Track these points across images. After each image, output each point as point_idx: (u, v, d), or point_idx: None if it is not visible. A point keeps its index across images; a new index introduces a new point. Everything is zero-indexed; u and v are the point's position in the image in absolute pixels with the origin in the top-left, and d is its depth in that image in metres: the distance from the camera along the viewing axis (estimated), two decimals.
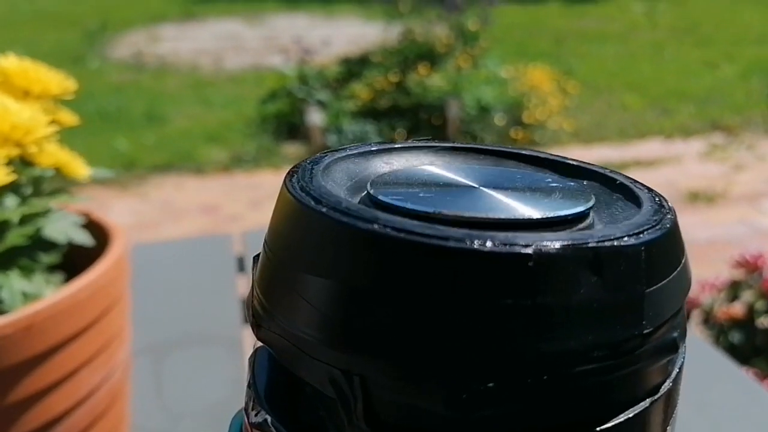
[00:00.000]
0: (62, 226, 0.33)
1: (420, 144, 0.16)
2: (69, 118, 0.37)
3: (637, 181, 0.14)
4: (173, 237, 2.01)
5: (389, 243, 0.11)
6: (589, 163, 0.15)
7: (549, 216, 0.12)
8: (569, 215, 0.12)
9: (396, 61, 2.95)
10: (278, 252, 0.13)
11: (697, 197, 2.26)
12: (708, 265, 1.72)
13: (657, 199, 0.13)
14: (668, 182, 2.37)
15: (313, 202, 0.12)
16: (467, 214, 0.12)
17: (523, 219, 0.12)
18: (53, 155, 0.34)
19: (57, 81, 0.36)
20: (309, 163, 0.14)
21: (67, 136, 0.36)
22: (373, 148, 0.15)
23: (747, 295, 1.16)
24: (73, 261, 0.35)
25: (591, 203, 0.13)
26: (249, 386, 0.13)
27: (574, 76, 3.42)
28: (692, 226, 2.05)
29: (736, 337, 1.13)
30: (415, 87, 2.78)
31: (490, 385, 0.10)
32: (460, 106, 2.67)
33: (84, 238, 0.33)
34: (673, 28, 4.71)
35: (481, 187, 0.13)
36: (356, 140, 2.57)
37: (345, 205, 0.12)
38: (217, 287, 0.60)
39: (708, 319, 1.19)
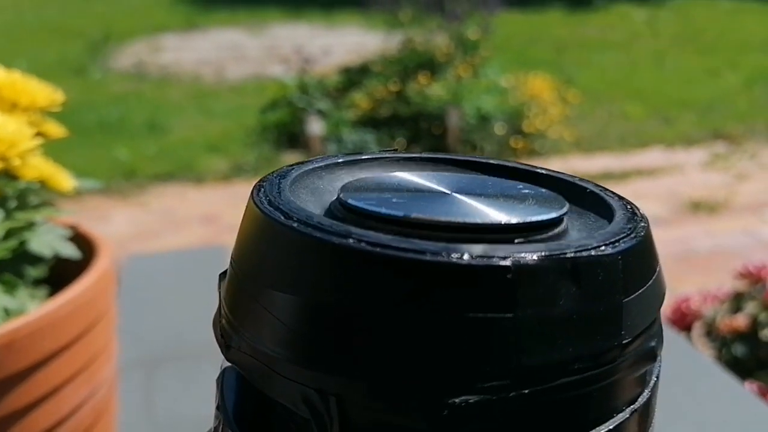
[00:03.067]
0: (48, 240, 0.33)
1: (387, 155, 0.15)
2: (56, 130, 0.37)
3: (608, 190, 0.14)
4: (174, 247, 2.01)
5: (364, 257, 0.11)
6: (559, 172, 0.15)
7: (524, 221, 0.12)
8: (544, 220, 0.12)
9: (396, 71, 2.95)
10: (246, 269, 0.12)
11: (699, 207, 2.25)
12: (710, 276, 1.71)
13: (629, 207, 0.13)
14: (670, 192, 2.36)
15: (282, 217, 0.12)
16: (443, 218, 0.12)
17: (499, 224, 0.12)
18: (38, 168, 0.34)
19: (44, 93, 0.36)
20: (276, 177, 0.14)
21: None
22: (339, 160, 0.15)
23: (750, 307, 1.15)
24: (61, 274, 0.34)
25: (565, 209, 0.13)
26: (217, 408, 0.13)
27: (575, 84, 3.41)
28: (694, 237, 2.04)
29: (739, 349, 1.11)
30: (415, 96, 2.78)
31: (471, 400, 0.10)
32: (460, 116, 2.67)
33: (71, 252, 0.33)
34: (674, 37, 4.71)
35: (453, 193, 0.13)
36: (356, 149, 2.57)
37: (316, 220, 0.11)
38: (212, 299, 0.60)
39: (710, 332, 1.17)
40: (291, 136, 2.86)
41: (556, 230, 0.12)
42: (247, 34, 5.02)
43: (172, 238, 2.10)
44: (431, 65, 2.95)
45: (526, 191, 0.14)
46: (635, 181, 2.45)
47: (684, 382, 0.47)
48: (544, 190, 0.14)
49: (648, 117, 3.21)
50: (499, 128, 2.72)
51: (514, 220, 0.12)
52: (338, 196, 0.13)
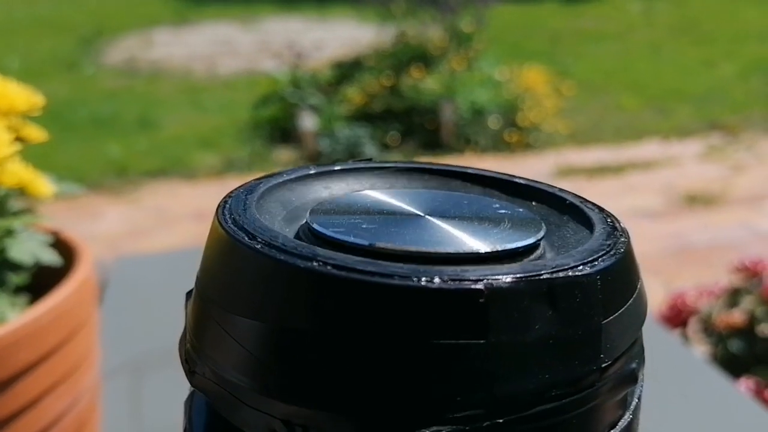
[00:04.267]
0: (29, 247, 0.32)
1: (361, 166, 0.15)
2: (37, 133, 0.36)
3: (588, 201, 0.14)
4: (166, 244, 1.99)
5: (330, 282, 0.10)
6: (538, 182, 0.15)
7: (498, 249, 0.11)
8: (519, 248, 0.12)
9: (389, 64, 2.94)
10: (210, 291, 0.12)
11: (695, 200, 2.23)
12: (707, 270, 1.69)
13: (609, 220, 0.13)
14: (666, 184, 2.34)
15: (246, 238, 0.11)
16: (413, 248, 0.11)
17: (472, 253, 0.11)
18: (16, 174, 0.33)
19: (24, 97, 0.35)
20: (243, 192, 0.13)
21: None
22: (311, 172, 0.15)
23: (747, 302, 1.14)
24: (42, 281, 0.34)
25: (542, 233, 0.12)
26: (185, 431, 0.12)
27: (570, 76, 3.40)
28: (690, 230, 2.03)
29: (735, 345, 1.10)
30: (408, 90, 2.77)
31: (444, 431, 0.10)
32: (453, 109, 2.65)
33: (52, 258, 0.33)
34: (670, 27, 4.70)
35: (426, 216, 0.13)
36: (349, 144, 2.55)
37: (281, 241, 0.11)
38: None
39: (707, 327, 1.16)
40: (284, 131, 2.85)
41: (531, 256, 0.12)
42: (239, 29, 4.99)
43: (165, 235, 2.08)
44: (425, 58, 2.94)
45: (503, 211, 0.13)
46: (631, 173, 2.43)
47: (676, 381, 0.47)
48: (521, 209, 0.14)
49: (643, 108, 3.19)
50: (493, 122, 2.71)
51: (486, 249, 0.11)
52: (305, 221, 0.12)
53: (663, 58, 4.02)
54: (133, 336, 0.52)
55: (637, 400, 0.12)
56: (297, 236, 0.13)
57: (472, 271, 0.10)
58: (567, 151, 2.71)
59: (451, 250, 0.11)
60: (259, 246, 0.11)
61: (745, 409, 0.45)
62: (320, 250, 0.11)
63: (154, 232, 2.13)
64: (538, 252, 0.12)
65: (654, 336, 0.53)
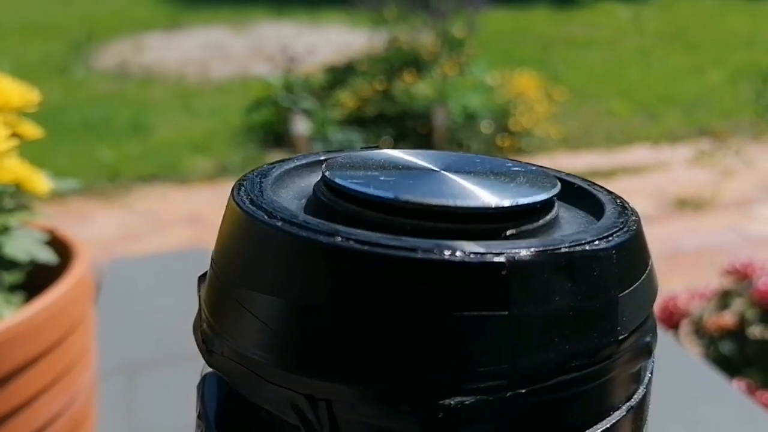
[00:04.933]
0: (24, 244, 0.32)
1: (370, 152, 0.15)
2: (32, 131, 0.36)
3: (596, 184, 0.14)
4: (158, 248, 1.98)
5: (353, 257, 0.10)
6: (545, 167, 0.15)
7: (518, 203, 0.12)
8: (538, 202, 0.12)
9: (382, 69, 2.94)
10: (229, 271, 0.12)
11: (685, 204, 2.25)
12: (697, 274, 1.70)
13: (618, 201, 0.13)
14: (656, 189, 2.36)
15: (266, 216, 0.11)
16: (434, 201, 0.11)
17: (493, 208, 0.11)
18: (13, 170, 0.33)
19: (19, 93, 0.34)
20: (257, 176, 0.13)
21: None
22: (321, 158, 0.15)
23: (737, 304, 1.15)
24: (38, 279, 0.33)
25: (557, 188, 0.12)
26: (199, 417, 0.12)
27: (561, 82, 3.41)
28: (681, 234, 2.04)
29: (726, 347, 1.11)
30: (401, 95, 2.77)
31: (466, 402, 0.10)
32: (446, 114, 2.66)
33: (47, 256, 0.32)
34: (659, 34, 4.73)
35: (442, 171, 0.13)
36: (343, 149, 2.55)
37: (302, 218, 0.11)
38: (196, 303, 0.59)
39: (698, 330, 1.17)
40: (276, 135, 2.84)
41: (550, 215, 0.12)
42: (232, 33, 4.98)
43: (157, 240, 2.07)
44: (417, 63, 2.94)
45: (516, 169, 0.13)
46: (622, 178, 2.45)
47: (672, 380, 0.47)
48: (533, 167, 0.14)
49: (634, 114, 3.21)
50: (485, 126, 2.71)
51: (505, 203, 0.11)
52: (323, 173, 0.12)
53: (652, 64, 4.05)
54: (128, 337, 0.51)
55: (650, 375, 0.12)
56: (312, 194, 0.13)
57: (493, 245, 0.10)
58: (559, 156, 2.72)
59: (471, 204, 0.11)
60: (279, 224, 0.11)
61: (738, 405, 0.46)
62: (342, 227, 0.11)
63: (146, 236, 2.12)
64: (555, 210, 0.13)
65: None
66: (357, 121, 2.77)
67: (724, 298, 1.18)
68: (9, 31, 4.97)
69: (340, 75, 3.06)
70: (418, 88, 2.79)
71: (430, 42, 3.07)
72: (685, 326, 1.20)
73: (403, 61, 2.94)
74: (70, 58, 4.29)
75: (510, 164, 0.14)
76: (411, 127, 2.70)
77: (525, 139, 2.78)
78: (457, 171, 0.13)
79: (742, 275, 1.17)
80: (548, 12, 5.49)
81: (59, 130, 2.97)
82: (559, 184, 0.13)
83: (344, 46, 3.93)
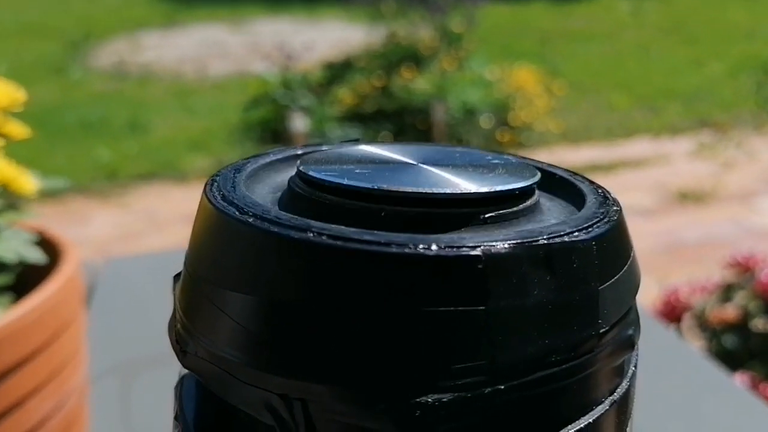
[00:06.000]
0: (13, 245, 0.32)
1: (348, 146, 0.15)
2: (20, 130, 0.36)
3: (578, 174, 0.14)
4: (157, 248, 1.98)
5: (325, 252, 0.10)
6: (526, 158, 0.15)
7: (496, 190, 0.11)
8: (517, 189, 0.12)
9: (380, 65, 2.94)
10: (201, 269, 0.12)
11: (686, 197, 2.24)
12: (699, 267, 1.70)
13: (600, 191, 0.13)
14: (657, 182, 2.35)
15: (237, 212, 0.11)
16: (410, 189, 0.11)
17: (470, 193, 0.11)
18: (0, 170, 0.33)
19: (5, 92, 0.34)
20: (231, 171, 0.13)
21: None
22: (299, 152, 0.14)
23: (740, 297, 1.14)
24: (27, 280, 0.33)
25: (536, 177, 0.12)
26: (176, 418, 0.12)
27: (561, 76, 3.41)
28: (682, 227, 2.03)
29: (729, 340, 1.10)
30: (399, 90, 2.77)
31: (445, 399, 0.10)
32: (445, 109, 2.66)
33: (36, 257, 0.32)
34: (659, 27, 4.72)
35: (419, 164, 0.13)
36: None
37: (274, 214, 0.11)
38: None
39: (700, 323, 1.16)
40: (275, 132, 2.84)
41: (529, 202, 0.12)
42: (229, 30, 4.98)
43: (155, 239, 2.07)
44: (415, 59, 2.94)
45: (495, 161, 0.13)
46: (622, 172, 2.44)
47: (672, 375, 0.47)
48: (513, 159, 0.14)
49: (634, 107, 3.21)
50: (485, 121, 2.71)
51: (483, 189, 0.11)
52: (297, 168, 0.12)
53: (652, 57, 4.04)
54: (123, 337, 0.51)
55: (633, 368, 0.12)
56: (287, 188, 0.13)
57: (468, 237, 0.10)
58: (559, 150, 2.71)
59: (448, 191, 0.11)
60: (251, 219, 0.11)
61: (741, 400, 0.45)
62: (314, 222, 0.10)
63: (144, 235, 2.11)
64: (535, 198, 0.12)
65: (649, 330, 0.53)
66: (355, 117, 2.76)
67: (726, 291, 1.18)
68: (6, 32, 4.97)
69: (338, 71, 3.06)
70: (417, 84, 2.79)
71: (429, 37, 3.06)
72: (687, 320, 1.20)
73: (401, 57, 2.94)
74: (67, 58, 4.29)
75: (490, 156, 0.14)
76: (410, 122, 2.70)
77: (525, 133, 2.77)
78: (435, 164, 0.13)
79: (744, 268, 1.17)
80: (547, 5, 5.48)
81: (57, 130, 2.97)
82: (538, 174, 0.13)
83: (342, 42, 3.93)
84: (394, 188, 0.11)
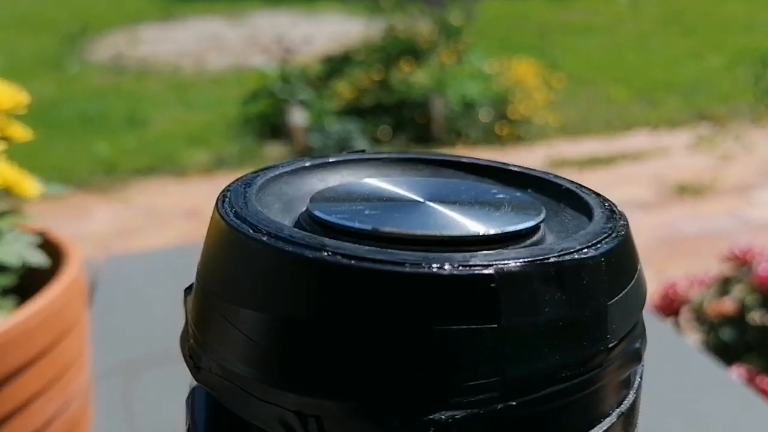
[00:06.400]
0: (15, 248, 0.32)
1: (355, 157, 0.15)
2: (22, 133, 0.35)
3: (584, 186, 0.14)
4: (157, 242, 1.98)
5: (340, 271, 0.10)
6: (531, 169, 0.15)
7: (504, 231, 0.12)
8: (522, 230, 0.12)
9: (379, 58, 2.93)
10: (213, 284, 0.12)
11: (685, 190, 2.25)
12: (697, 260, 1.70)
13: (606, 204, 0.13)
14: (656, 175, 2.36)
15: (251, 231, 0.11)
16: (419, 232, 0.11)
17: (478, 236, 0.11)
18: (2, 174, 0.33)
19: (8, 94, 0.34)
20: (241, 185, 0.13)
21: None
22: (306, 164, 0.15)
23: (737, 291, 1.15)
24: (30, 283, 0.33)
25: (542, 216, 0.13)
26: (188, 430, 0.12)
27: (560, 69, 3.40)
28: (680, 220, 2.04)
29: (726, 333, 1.11)
30: (398, 84, 2.76)
31: (458, 416, 0.10)
32: (444, 103, 2.65)
33: (39, 260, 0.32)
34: (657, 19, 4.71)
35: (427, 202, 0.13)
36: (340, 139, 2.54)
37: (287, 233, 0.11)
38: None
39: (698, 316, 1.17)
40: (273, 127, 2.83)
41: (534, 238, 0.12)
42: (227, 24, 4.96)
43: (155, 234, 2.07)
44: (414, 52, 2.93)
45: (501, 196, 0.13)
46: (621, 165, 2.44)
47: (669, 370, 0.47)
48: (519, 194, 0.14)
49: (632, 100, 3.20)
50: (483, 115, 2.71)
51: (491, 231, 0.12)
52: (306, 209, 0.12)
53: (650, 50, 4.04)
54: (126, 336, 0.51)
55: (639, 379, 0.12)
56: (298, 224, 0.13)
57: (481, 257, 0.10)
58: (558, 144, 2.71)
59: (456, 233, 0.11)
60: (264, 238, 0.11)
61: (738, 395, 0.46)
62: (328, 241, 0.11)
63: (144, 230, 2.11)
64: (540, 234, 0.12)
65: (647, 323, 0.53)
66: (354, 111, 2.76)
67: (724, 285, 1.18)
68: (2, 26, 4.95)
69: (336, 65, 3.05)
70: (416, 77, 2.78)
71: (428, 30, 3.05)
72: (685, 313, 1.20)
73: (400, 50, 2.93)
74: (64, 52, 4.27)
75: (495, 191, 0.14)
76: (409, 116, 2.70)
77: (524, 126, 2.77)
78: (441, 201, 0.13)
79: (742, 261, 1.17)
80: None
81: (55, 125, 2.96)
82: (544, 212, 0.13)
83: (341, 35, 3.92)
84: (403, 231, 0.11)
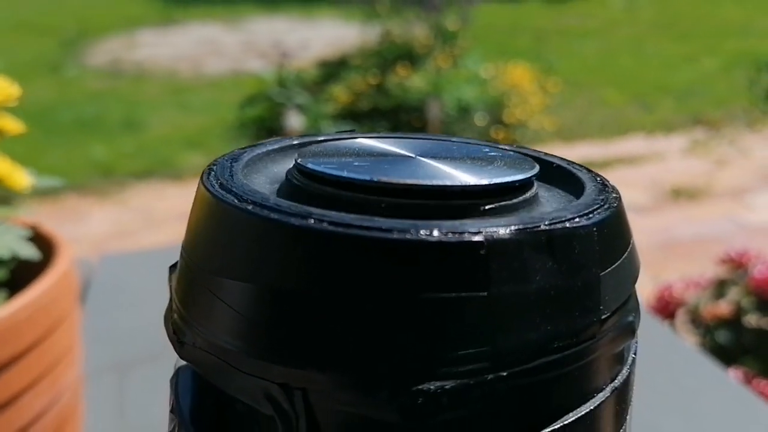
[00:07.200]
0: (6, 241, 0.32)
1: (345, 136, 0.15)
2: (14, 126, 0.35)
3: (575, 163, 0.14)
4: (153, 245, 1.98)
5: (326, 239, 0.10)
6: (524, 147, 0.15)
7: (496, 182, 0.11)
8: (516, 181, 0.12)
9: (375, 63, 2.93)
10: (198, 258, 0.11)
11: (680, 194, 2.25)
12: (692, 263, 1.71)
13: (599, 179, 0.13)
14: (651, 179, 2.36)
15: (236, 200, 0.11)
16: (409, 181, 0.11)
17: (470, 185, 0.11)
18: None
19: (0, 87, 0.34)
20: (227, 160, 0.13)
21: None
22: (294, 142, 0.14)
23: (733, 293, 1.15)
24: (21, 276, 0.33)
25: (535, 170, 0.12)
26: (172, 411, 0.12)
27: (555, 73, 3.41)
28: (676, 224, 2.04)
29: (722, 336, 1.11)
30: (394, 88, 2.76)
31: (447, 386, 0.10)
32: (440, 107, 2.66)
33: (30, 253, 0.32)
34: (653, 23, 4.73)
35: (418, 157, 0.13)
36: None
37: (273, 201, 0.11)
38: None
39: (694, 319, 1.17)
40: (270, 130, 2.83)
41: (527, 195, 0.12)
42: (224, 29, 4.96)
43: (152, 237, 2.07)
44: (410, 57, 2.93)
45: (493, 153, 0.13)
46: (617, 169, 2.45)
47: (668, 370, 0.47)
48: (511, 151, 0.14)
49: (628, 104, 3.21)
50: (479, 119, 2.71)
51: (483, 182, 0.11)
52: (295, 161, 0.12)
53: (646, 53, 4.05)
54: (118, 334, 0.51)
55: (633, 355, 0.12)
56: (285, 180, 0.13)
57: (471, 224, 0.10)
58: (553, 148, 2.72)
59: (448, 183, 0.11)
60: (250, 207, 0.11)
61: (736, 395, 0.45)
62: (315, 209, 0.10)
63: (140, 233, 2.11)
64: (534, 190, 0.12)
65: (644, 325, 0.53)
66: (351, 115, 2.76)
67: (719, 287, 1.18)
68: (1, 30, 4.95)
69: (333, 69, 3.06)
70: (412, 82, 2.78)
71: (424, 35, 3.06)
72: (681, 315, 1.20)
73: (396, 55, 2.94)
74: (62, 56, 4.27)
75: (488, 149, 0.14)
76: (405, 120, 2.70)
77: (519, 130, 2.77)
78: (433, 156, 0.13)
79: (738, 264, 1.17)
80: (541, 3, 5.48)
81: (52, 128, 2.96)
82: (537, 166, 0.12)
83: (337, 40, 3.92)
84: (393, 180, 0.11)
